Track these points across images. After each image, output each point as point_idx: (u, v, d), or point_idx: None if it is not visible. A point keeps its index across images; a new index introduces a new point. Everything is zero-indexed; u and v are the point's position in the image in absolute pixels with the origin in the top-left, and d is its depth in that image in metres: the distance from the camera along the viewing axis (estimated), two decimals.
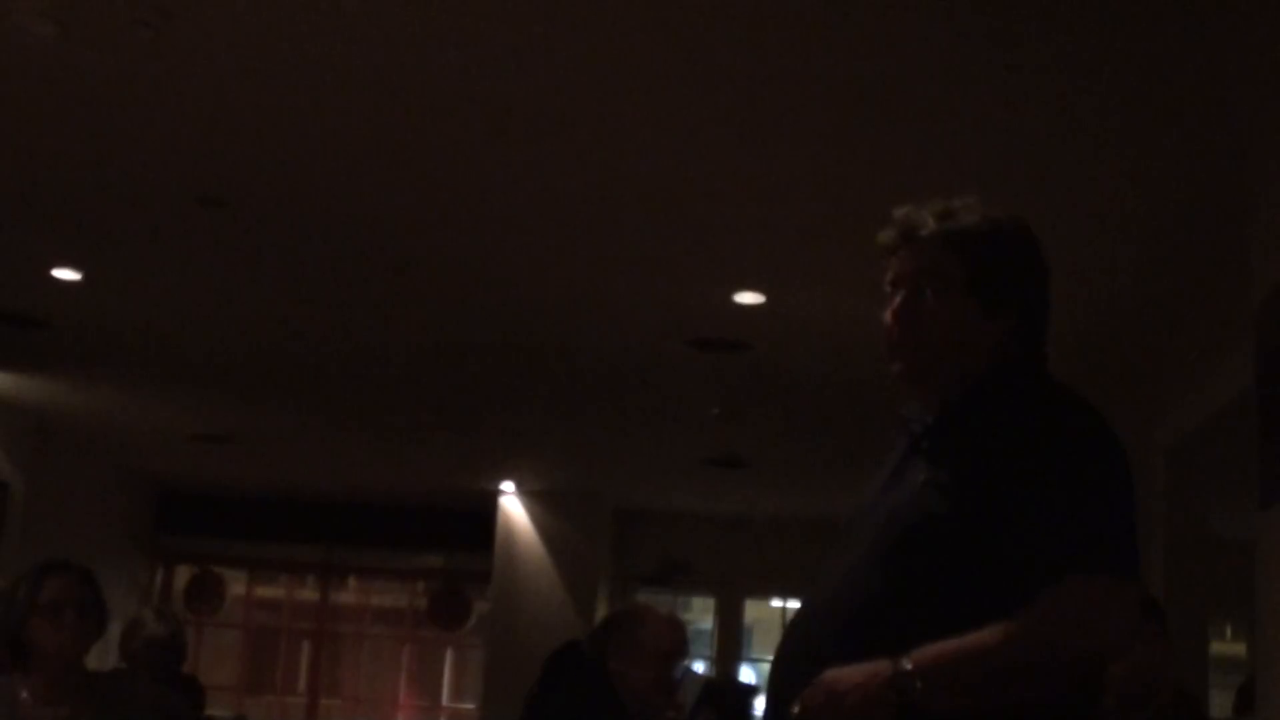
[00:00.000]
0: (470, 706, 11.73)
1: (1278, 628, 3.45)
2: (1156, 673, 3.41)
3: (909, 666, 1.69)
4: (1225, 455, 5.39)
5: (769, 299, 5.66)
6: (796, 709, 1.76)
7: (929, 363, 1.96)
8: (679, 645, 3.85)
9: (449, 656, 12.43)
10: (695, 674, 3.91)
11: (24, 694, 2.93)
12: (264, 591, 12.70)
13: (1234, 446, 4.61)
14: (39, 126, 4.42)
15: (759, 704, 5.19)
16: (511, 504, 10.69)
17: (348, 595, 12.69)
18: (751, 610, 11.85)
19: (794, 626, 1.96)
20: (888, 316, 1.97)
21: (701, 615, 12.03)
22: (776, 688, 1.90)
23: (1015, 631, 1.68)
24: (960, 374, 1.93)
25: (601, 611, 10.07)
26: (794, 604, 9.54)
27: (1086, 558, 1.71)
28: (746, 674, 11.07)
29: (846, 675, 1.73)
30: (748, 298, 5.66)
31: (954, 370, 1.94)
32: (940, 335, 1.94)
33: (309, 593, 12.59)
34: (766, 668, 2.24)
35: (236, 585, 12.44)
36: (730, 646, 11.59)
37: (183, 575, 12.29)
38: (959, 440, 1.86)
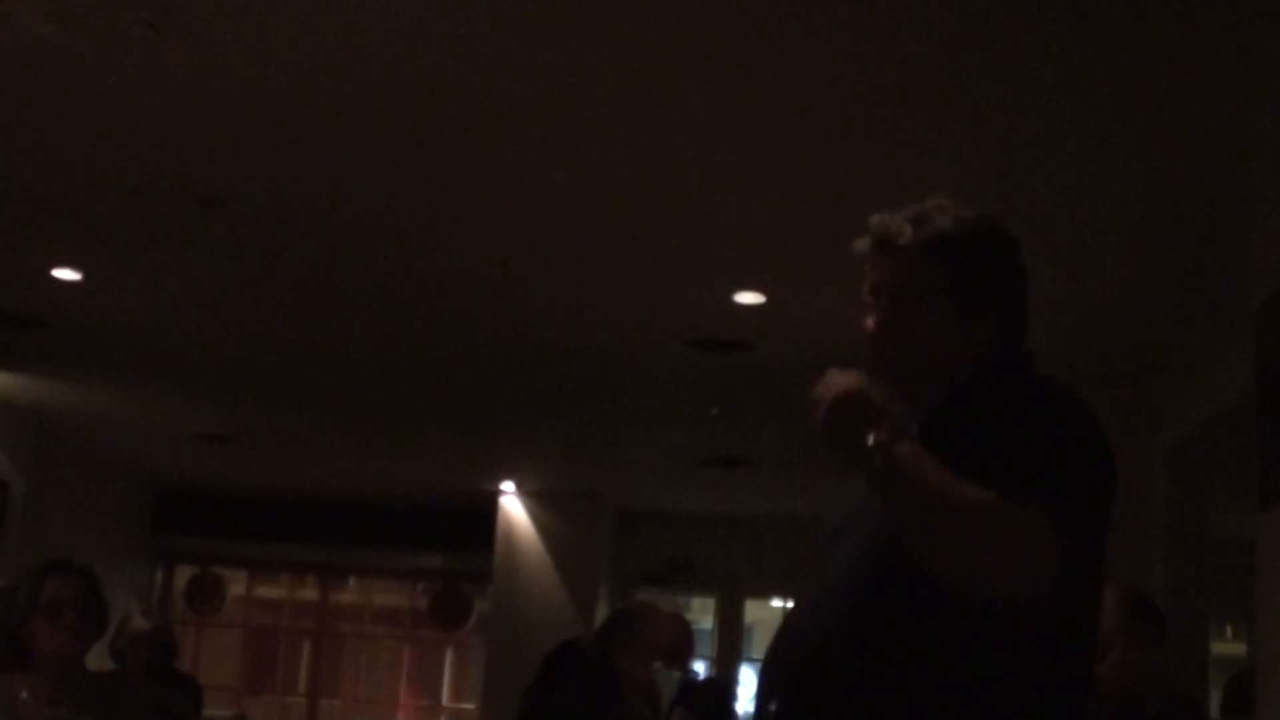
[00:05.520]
0: (470, 706, 11.72)
1: (1278, 628, 3.45)
2: (1147, 673, 3.40)
3: (894, 448, 1.74)
4: (1225, 455, 5.39)
5: (769, 299, 5.66)
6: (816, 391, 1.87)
7: (915, 369, 1.96)
8: (685, 644, 3.85)
9: (449, 656, 12.43)
10: (673, 675, 3.91)
11: (24, 694, 2.92)
12: (264, 591, 12.69)
13: (1234, 446, 4.61)
14: (39, 126, 4.42)
15: (737, 702, 5.19)
16: (511, 504, 10.69)
17: (348, 595, 12.68)
18: (751, 610, 11.84)
19: (785, 629, 1.96)
20: (870, 325, 1.98)
21: (701, 615, 12.01)
22: (765, 689, 1.90)
23: (975, 499, 1.69)
24: (946, 378, 1.94)
25: (601, 611, 10.06)
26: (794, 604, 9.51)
27: (1048, 502, 1.71)
28: (746, 674, 11.04)
29: (862, 403, 1.80)
30: (748, 298, 5.66)
31: (940, 375, 1.95)
32: (926, 342, 1.95)
33: (309, 593, 12.57)
34: None
35: (236, 585, 12.42)
36: (730, 646, 11.58)
37: (183, 575, 12.27)
38: (946, 441, 1.86)
